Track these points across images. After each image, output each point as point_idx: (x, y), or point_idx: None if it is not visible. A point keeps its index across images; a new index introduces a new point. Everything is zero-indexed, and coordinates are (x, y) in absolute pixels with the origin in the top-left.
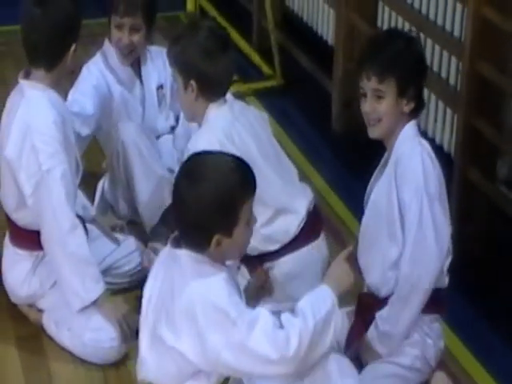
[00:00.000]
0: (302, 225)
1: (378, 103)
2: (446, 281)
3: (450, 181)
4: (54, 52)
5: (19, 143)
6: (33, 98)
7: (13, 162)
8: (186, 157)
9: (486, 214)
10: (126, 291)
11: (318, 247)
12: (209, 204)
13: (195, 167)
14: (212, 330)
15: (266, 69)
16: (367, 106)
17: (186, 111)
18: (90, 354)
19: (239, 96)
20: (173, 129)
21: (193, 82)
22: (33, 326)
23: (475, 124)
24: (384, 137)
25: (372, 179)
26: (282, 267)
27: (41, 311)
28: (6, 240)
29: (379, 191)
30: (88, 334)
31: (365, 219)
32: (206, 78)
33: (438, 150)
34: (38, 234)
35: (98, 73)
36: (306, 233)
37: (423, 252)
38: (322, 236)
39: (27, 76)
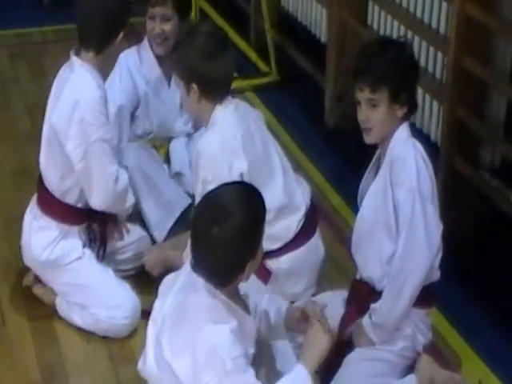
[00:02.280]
0: (301, 223)
1: (372, 111)
2: (437, 275)
3: (436, 168)
4: (104, 36)
5: (67, 115)
6: (82, 75)
7: (60, 131)
8: (195, 158)
9: (470, 200)
10: (132, 277)
11: (315, 244)
12: (240, 239)
13: (214, 210)
14: (207, 370)
15: (262, 66)
16: (362, 115)
17: (191, 114)
18: (103, 330)
19: (238, 92)
20: (189, 136)
21: (194, 85)
22: (45, 307)
23: (460, 115)
24: (379, 141)
25: (364, 177)
26: (282, 265)
27: (55, 294)
28: (32, 208)
29: (374, 191)
30: (103, 311)
31: (360, 216)
32: (207, 79)
33: (425, 139)
34: (70, 207)
35: (127, 70)
36: (305, 231)
37: (414, 249)
38: (318, 232)
39: (78, 54)
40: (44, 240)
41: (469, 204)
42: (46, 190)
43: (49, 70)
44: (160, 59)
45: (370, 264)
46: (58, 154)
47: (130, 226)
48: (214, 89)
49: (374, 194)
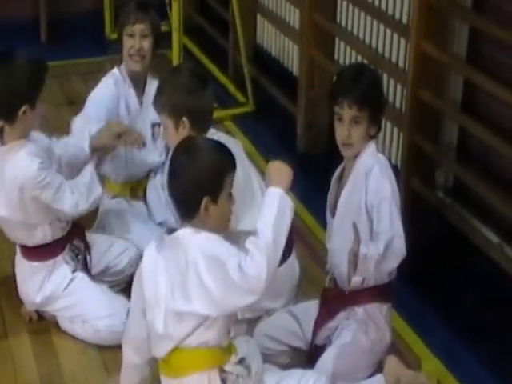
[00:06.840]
0: None
1: (354, 128)
2: (394, 273)
3: None
4: (5, 110)
5: (18, 201)
6: (13, 157)
7: (17, 216)
8: None
9: (426, 216)
10: (126, 284)
11: (292, 263)
12: (200, 170)
13: (187, 145)
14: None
15: (240, 97)
16: (345, 130)
17: None
18: (103, 339)
19: (218, 121)
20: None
21: (184, 119)
22: (44, 322)
23: (417, 140)
24: (354, 155)
25: (331, 188)
26: None
27: (54, 317)
28: (18, 256)
29: (346, 199)
30: (102, 321)
31: (335, 223)
32: (195, 112)
33: None
34: (48, 246)
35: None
36: (283, 251)
37: (395, 238)
38: (294, 252)
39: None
40: (34, 285)
41: (425, 220)
42: (22, 245)
43: (44, 103)
44: (133, 81)
45: (344, 266)
46: (22, 229)
47: (113, 239)
48: (201, 120)
49: (346, 202)
